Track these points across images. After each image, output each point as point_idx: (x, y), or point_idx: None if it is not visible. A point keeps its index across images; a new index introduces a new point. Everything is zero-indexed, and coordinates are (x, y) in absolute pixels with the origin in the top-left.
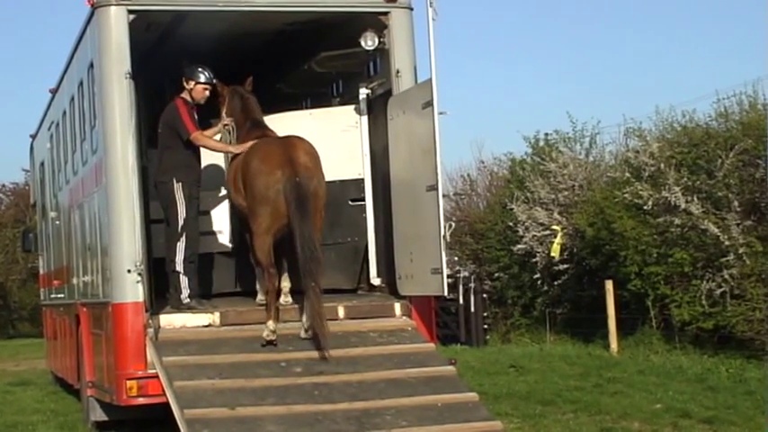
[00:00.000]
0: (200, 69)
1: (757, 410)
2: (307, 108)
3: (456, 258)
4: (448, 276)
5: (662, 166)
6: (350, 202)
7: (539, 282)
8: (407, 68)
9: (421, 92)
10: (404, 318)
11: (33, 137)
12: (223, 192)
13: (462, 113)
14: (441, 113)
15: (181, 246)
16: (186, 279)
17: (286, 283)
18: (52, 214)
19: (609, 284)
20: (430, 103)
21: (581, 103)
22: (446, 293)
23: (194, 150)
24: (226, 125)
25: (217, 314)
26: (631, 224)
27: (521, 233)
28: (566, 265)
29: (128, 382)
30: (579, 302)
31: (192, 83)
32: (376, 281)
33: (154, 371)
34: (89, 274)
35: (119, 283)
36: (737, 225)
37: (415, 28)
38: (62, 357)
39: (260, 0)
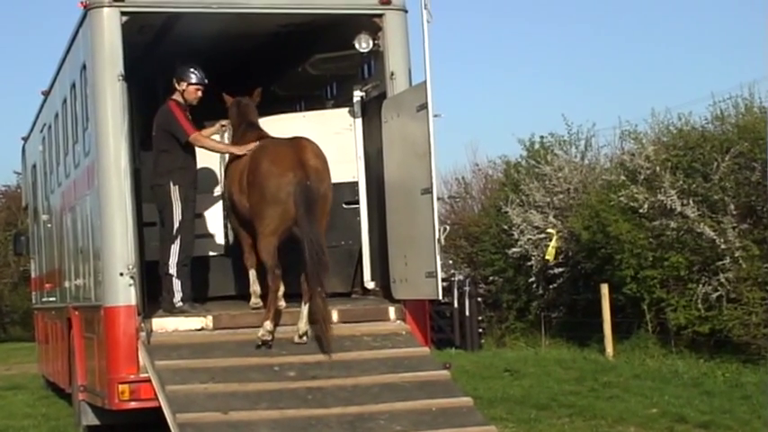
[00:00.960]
0: (191, 70)
1: (753, 415)
2: (301, 110)
3: (451, 262)
4: (442, 280)
5: (658, 169)
6: (344, 205)
7: (534, 285)
8: (402, 71)
9: (415, 94)
10: (398, 321)
11: (25, 139)
12: (217, 194)
13: (457, 116)
14: (435, 116)
15: (175, 249)
16: (179, 282)
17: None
18: (44, 217)
19: (604, 288)
20: (424, 106)
21: (576, 106)
22: (441, 297)
23: (190, 152)
24: (223, 126)
25: (209, 318)
26: (627, 227)
27: (516, 236)
28: (561, 269)
29: (120, 386)
30: (574, 306)
31: (185, 84)
32: (370, 284)
33: (146, 375)
34: (81, 277)
35: (111, 286)
36: (733, 228)
37: (410, 30)
38: (54, 361)
39: (254, 2)
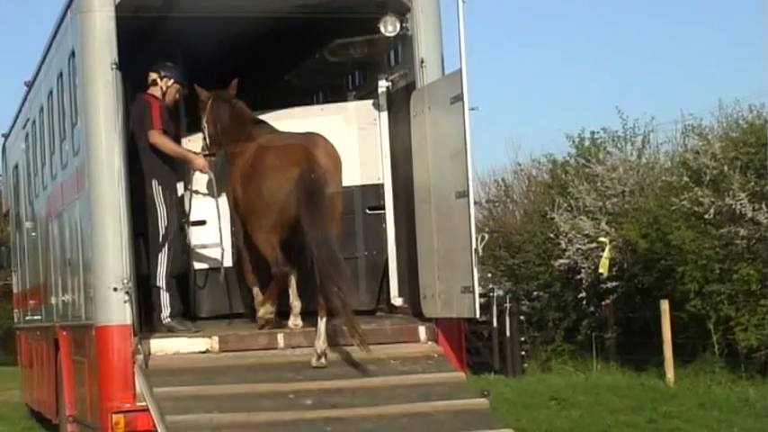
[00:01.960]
0: (173, 66)
1: None
2: (318, 103)
3: (489, 275)
4: (480, 296)
5: (725, 168)
6: (367, 211)
7: (584, 302)
8: (433, 58)
9: (449, 84)
10: (429, 343)
11: (6, 136)
12: (221, 200)
13: (496, 109)
14: (472, 109)
15: (162, 258)
16: (167, 296)
17: (297, 302)
18: (28, 225)
19: (664, 305)
20: (459, 98)
21: (633, 97)
22: (478, 315)
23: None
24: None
25: (215, 339)
26: (690, 235)
27: (563, 246)
28: (615, 283)
29: (114, 416)
30: (630, 325)
31: (171, 81)
32: (398, 301)
33: (143, 403)
34: (69, 292)
35: (103, 302)
36: None
37: (443, 11)
38: (39, 388)
39: None
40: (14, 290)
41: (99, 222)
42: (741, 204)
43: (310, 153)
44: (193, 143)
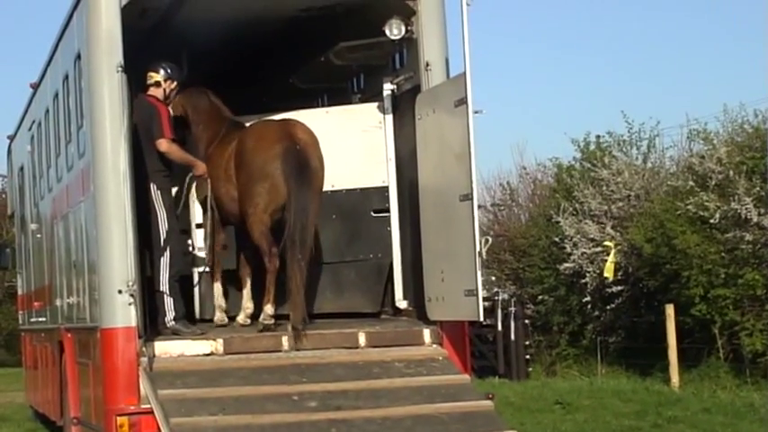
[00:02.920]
0: (177, 68)
1: None
2: (323, 105)
3: (494, 278)
4: (484, 299)
5: (731, 173)
6: (372, 214)
7: (589, 306)
8: (438, 61)
9: (453, 88)
10: (434, 346)
11: (11, 138)
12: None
13: (501, 113)
14: (476, 112)
15: (164, 261)
16: (171, 300)
17: (249, 305)
18: (33, 226)
19: (669, 309)
20: (464, 101)
21: (638, 101)
22: (482, 318)
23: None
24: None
25: (220, 341)
26: (695, 240)
27: (568, 250)
28: (620, 287)
29: (118, 418)
30: (635, 330)
31: (175, 83)
32: (402, 304)
33: (148, 406)
34: (74, 295)
35: (108, 305)
36: None
37: (448, 14)
38: (43, 390)
39: None
40: (19, 291)
41: (104, 225)
42: (746, 209)
43: (289, 131)
44: None
